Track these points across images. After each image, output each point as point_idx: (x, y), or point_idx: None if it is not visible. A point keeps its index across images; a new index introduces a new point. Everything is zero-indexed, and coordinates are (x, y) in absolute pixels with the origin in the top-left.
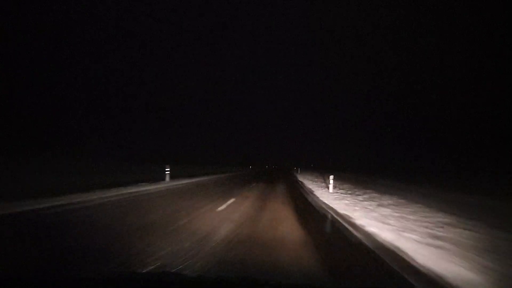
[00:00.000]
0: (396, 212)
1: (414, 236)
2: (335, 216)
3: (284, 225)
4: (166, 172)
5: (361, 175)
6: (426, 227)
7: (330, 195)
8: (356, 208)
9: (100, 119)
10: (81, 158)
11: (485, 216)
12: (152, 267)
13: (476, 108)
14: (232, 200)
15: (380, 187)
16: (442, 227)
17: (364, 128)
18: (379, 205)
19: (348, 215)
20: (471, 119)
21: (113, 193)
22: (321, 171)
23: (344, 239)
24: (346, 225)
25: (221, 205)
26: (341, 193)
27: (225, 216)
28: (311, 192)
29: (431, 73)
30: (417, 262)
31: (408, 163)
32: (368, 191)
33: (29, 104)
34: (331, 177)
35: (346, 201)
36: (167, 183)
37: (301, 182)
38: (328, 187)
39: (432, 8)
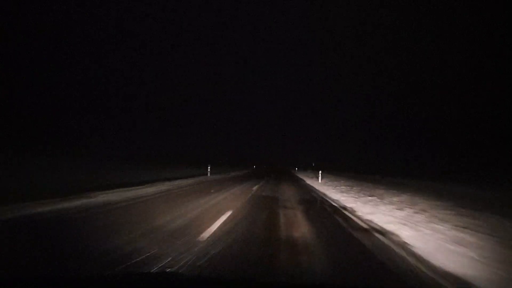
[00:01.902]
0: None
1: None
2: None
3: None
4: None
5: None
6: None
7: None
8: None
9: (100, 119)
10: (83, 158)
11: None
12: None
13: (476, 108)
14: None
15: None
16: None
17: (363, 127)
18: None
19: None
20: (471, 119)
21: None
22: (345, 174)
23: None
24: None
25: None
26: None
27: None
28: None
29: (431, 73)
30: None
31: (408, 163)
32: None
33: (29, 104)
34: None
35: None
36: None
37: None
38: None
39: (432, 8)
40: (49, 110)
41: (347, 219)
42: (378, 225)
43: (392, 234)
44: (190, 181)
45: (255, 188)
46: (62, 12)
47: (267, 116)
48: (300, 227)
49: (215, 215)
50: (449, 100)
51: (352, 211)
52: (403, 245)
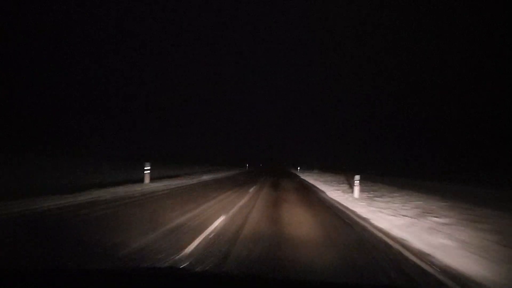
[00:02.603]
0: None
1: None
2: None
3: None
4: None
5: None
6: None
7: None
8: None
9: (100, 119)
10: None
11: None
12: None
13: (476, 108)
14: None
15: None
16: None
17: (363, 127)
18: None
19: None
20: (471, 119)
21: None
22: (368, 177)
23: None
24: None
25: None
26: None
27: None
28: None
29: (431, 73)
30: None
31: (408, 162)
32: None
33: (29, 104)
34: None
35: None
36: None
37: None
38: None
39: (432, 8)
40: (49, 110)
41: None
42: None
43: None
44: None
45: (198, 241)
46: (62, 12)
47: (266, 115)
48: None
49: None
50: (449, 100)
51: None
52: None
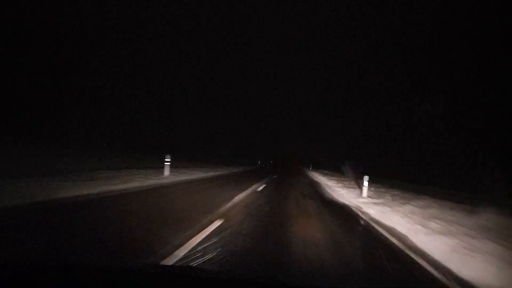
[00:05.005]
0: None
1: None
2: None
3: None
4: None
5: None
6: None
7: None
8: None
9: (101, 113)
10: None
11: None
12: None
13: (475, 109)
14: None
15: None
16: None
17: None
18: None
19: None
20: (471, 120)
21: None
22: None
23: None
24: None
25: None
26: None
27: None
28: None
29: (432, 73)
30: None
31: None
32: None
33: (31, 97)
34: None
35: None
36: None
37: None
38: None
39: (431, 9)
40: (49, 106)
41: None
42: None
43: None
44: None
45: None
46: (62, 11)
47: (278, 110)
48: None
49: None
50: (449, 102)
51: None
52: None
